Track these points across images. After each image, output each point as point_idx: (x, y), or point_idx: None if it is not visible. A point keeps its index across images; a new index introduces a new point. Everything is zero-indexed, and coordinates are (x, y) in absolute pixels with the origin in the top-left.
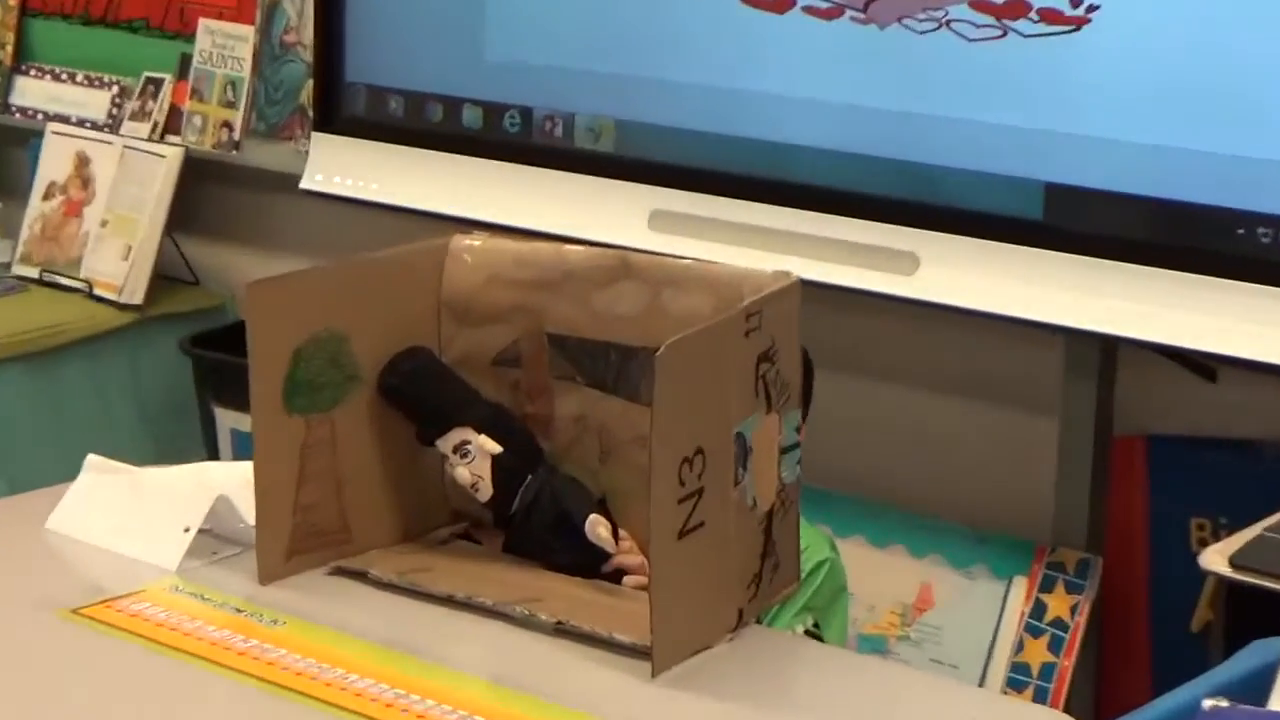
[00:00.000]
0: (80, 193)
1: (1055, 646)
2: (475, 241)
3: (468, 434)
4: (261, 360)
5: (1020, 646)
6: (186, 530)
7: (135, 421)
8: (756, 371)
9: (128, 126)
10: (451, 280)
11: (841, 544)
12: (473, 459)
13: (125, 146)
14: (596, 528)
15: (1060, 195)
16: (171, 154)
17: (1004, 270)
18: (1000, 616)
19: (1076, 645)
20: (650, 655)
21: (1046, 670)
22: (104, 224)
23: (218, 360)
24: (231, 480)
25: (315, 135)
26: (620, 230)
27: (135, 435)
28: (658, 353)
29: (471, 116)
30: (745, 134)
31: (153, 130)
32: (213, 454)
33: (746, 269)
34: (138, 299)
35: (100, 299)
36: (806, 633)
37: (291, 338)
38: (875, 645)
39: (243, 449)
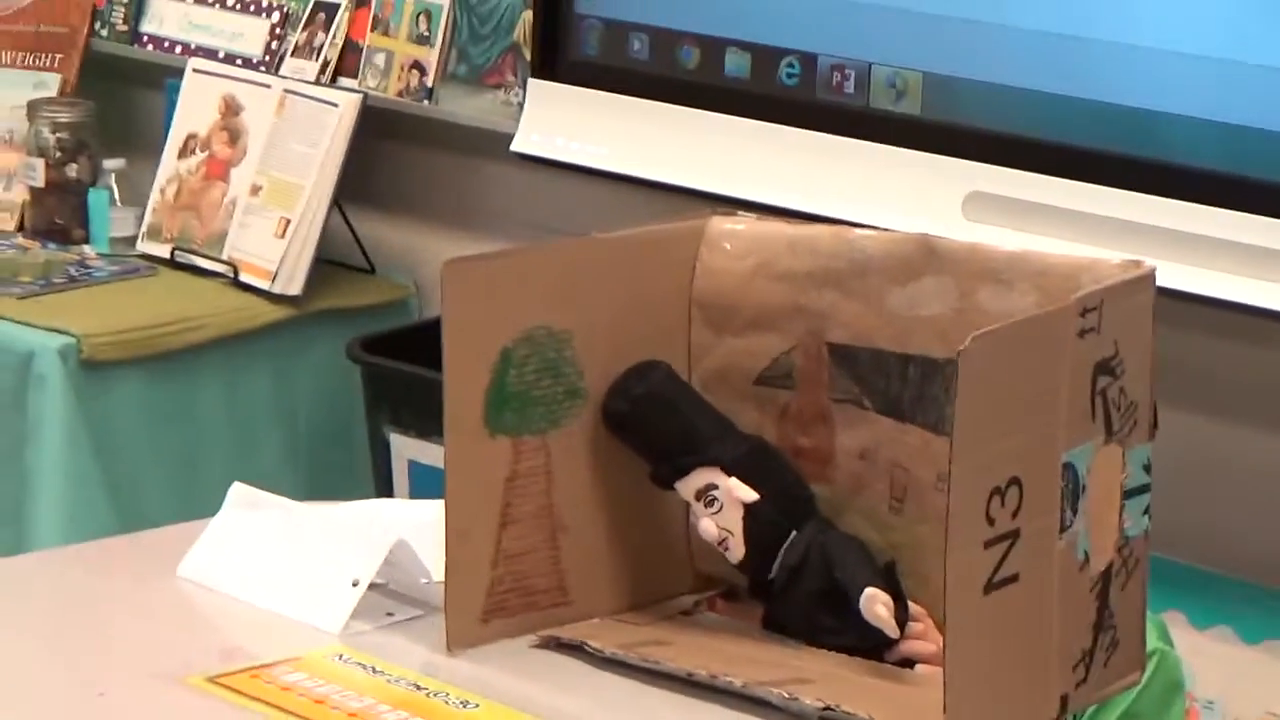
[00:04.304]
0: (226, 150)
1: None
2: (739, 225)
3: (715, 476)
4: (459, 362)
5: None
6: (355, 584)
7: (287, 446)
8: (1093, 385)
9: (290, 65)
10: (708, 273)
11: (1197, 635)
12: (720, 509)
13: (286, 91)
14: (874, 605)
15: None
16: (345, 102)
17: None
18: None
19: None
20: None
21: None
22: (256, 191)
23: (396, 371)
24: (413, 522)
25: (533, 82)
26: (927, 217)
27: (286, 463)
28: (963, 347)
29: (737, 63)
30: (1094, 97)
31: (322, 71)
32: (384, 490)
33: (1087, 258)
34: (295, 289)
35: (248, 287)
36: None
37: (499, 335)
38: None
39: (423, 486)
